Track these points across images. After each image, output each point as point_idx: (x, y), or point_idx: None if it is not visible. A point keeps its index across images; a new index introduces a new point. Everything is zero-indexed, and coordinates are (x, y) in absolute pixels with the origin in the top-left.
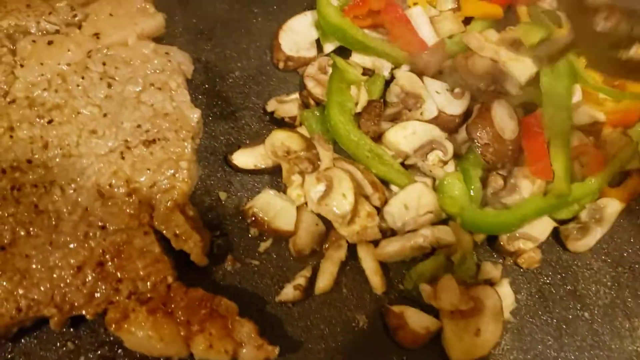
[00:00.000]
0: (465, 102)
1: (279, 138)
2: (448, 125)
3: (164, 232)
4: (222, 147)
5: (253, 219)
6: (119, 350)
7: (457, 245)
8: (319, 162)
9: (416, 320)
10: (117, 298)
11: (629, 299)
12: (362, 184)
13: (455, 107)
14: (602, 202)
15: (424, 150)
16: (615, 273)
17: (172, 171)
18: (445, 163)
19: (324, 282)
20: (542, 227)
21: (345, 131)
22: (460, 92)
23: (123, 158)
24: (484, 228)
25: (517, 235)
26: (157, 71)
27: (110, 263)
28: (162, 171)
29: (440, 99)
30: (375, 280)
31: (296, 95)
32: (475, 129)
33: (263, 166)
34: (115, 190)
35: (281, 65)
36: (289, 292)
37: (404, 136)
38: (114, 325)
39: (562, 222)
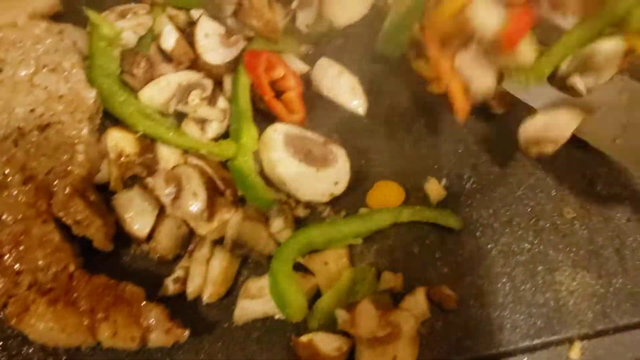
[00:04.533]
0: (232, 52)
1: (114, 137)
2: (211, 73)
3: (64, 219)
4: None
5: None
6: (25, 345)
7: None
8: (156, 167)
9: (327, 343)
10: (17, 291)
11: (550, 252)
12: (214, 178)
13: (217, 55)
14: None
15: (181, 94)
16: (536, 227)
17: (69, 155)
18: (209, 100)
19: (193, 286)
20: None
21: (109, 93)
22: (235, 40)
23: (16, 145)
24: None
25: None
26: (50, 52)
27: (8, 255)
28: (58, 156)
29: (207, 42)
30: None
31: None
32: None
33: None
34: (10, 179)
35: None
36: (169, 286)
37: (159, 90)
38: (14, 319)
39: None
